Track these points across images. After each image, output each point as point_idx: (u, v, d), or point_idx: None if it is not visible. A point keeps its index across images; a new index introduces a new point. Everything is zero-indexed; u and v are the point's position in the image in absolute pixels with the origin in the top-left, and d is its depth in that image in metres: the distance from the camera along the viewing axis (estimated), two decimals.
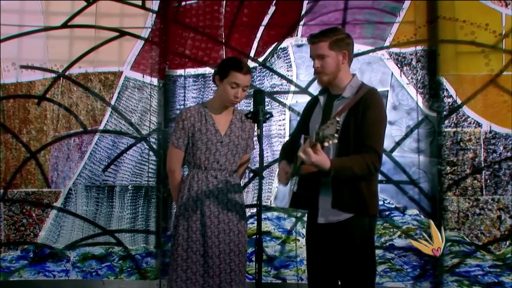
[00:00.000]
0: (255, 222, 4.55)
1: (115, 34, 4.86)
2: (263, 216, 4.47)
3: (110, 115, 4.82)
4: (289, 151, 2.98)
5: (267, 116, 2.68)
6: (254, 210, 4.64)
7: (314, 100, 2.98)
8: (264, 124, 3.15)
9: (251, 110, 2.73)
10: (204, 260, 2.99)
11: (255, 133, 2.86)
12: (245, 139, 3.16)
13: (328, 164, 2.50)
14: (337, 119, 2.28)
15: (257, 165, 4.48)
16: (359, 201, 2.67)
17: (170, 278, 3.06)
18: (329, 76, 2.78)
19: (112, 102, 4.83)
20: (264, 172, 4.68)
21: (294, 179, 2.83)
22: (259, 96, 2.69)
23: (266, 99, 2.95)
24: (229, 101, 3.02)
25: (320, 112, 2.85)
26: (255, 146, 3.24)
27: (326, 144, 2.32)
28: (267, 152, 4.62)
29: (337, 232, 2.70)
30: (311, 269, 2.87)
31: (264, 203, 4.64)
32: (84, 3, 4.87)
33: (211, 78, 4.86)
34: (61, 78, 4.85)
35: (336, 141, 2.29)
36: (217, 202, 3.01)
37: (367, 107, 2.66)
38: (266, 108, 2.77)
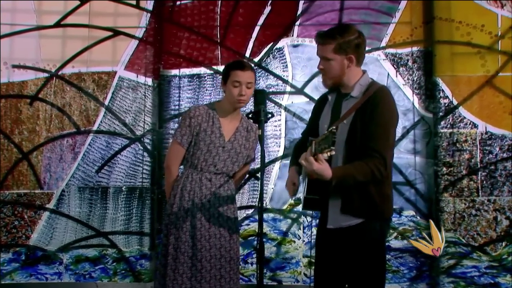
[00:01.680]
0: (251, 223, 4.58)
1: (109, 33, 4.80)
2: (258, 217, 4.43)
3: (103, 116, 4.77)
4: (300, 151, 2.85)
5: (268, 116, 2.64)
6: (250, 211, 4.61)
7: (323, 99, 2.87)
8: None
9: (252, 110, 2.69)
10: (192, 262, 2.94)
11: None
12: (248, 149, 3.12)
13: (330, 174, 2.41)
14: (333, 130, 2.19)
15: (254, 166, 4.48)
16: (369, 205, 2.57)
17: (158, 276, 3.01)
18: (332, 80, 2.69)
19: (106, 103, 4.77)
20: (259, 173, 4.64)
21: (304, 182, 2.78)
22: (260, 96, 2.66)
23: None
24: (235, 101, 2.97)
25: (329, 111, 2.75)
26: (255, 159, 3.21)
27: (325, 155, 2.26)
28: None
29: (348, 237, 2.60)
30: (319, 273, 2.78)
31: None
32: (78, 2, 4.81)
33: (206, 78, 4.96)
34: (54, 78, 4.78)
35: (333, 153, 2.23)
36: (208, 205, 2.98)
37: (374, 107, 2.55)
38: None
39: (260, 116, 2.60)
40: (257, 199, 4.61)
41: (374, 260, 2.62)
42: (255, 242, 2.64)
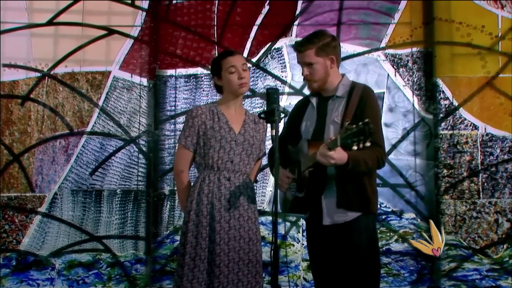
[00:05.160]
0: None
1: (103, 32, 4.72)
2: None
3: (97, 117, 4.68)
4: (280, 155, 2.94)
5: (281, 116, 2.55)
6: None
7: (304, 102, 2.98)
8: None
9: (265, 109, 2.60)
10: (210, 268, 2.82)
11: (269, 135, 2.73)
12: (259, 140, 3.03)
13: (346, 156, 2.51)
14: (368, 121, 2.23)
15: None
16: (363, 198, 2.70)
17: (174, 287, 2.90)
18: (319, 82, 2.80)
19: (100, 103, 4.69)
20: (258, 175, 4.57)
21: (291, 184, 2.79)
22: (273, 95, 2.57)
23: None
24: (238, 87, 2.90)
25: (313, 114, 2.85)
26: (266, 153, 3.13)
27: (354, 147, 2.28)
28: None
29: (344, 232, 2.69)
30: (317, 272, 2.82)
31: (257, 207, 4.53)
32: (71, 0, 4.72)
33: (203, 78, 4.89)
34: (46, 78, 4.69)
35: (368, 144, 2.26)
36: (228, 206, 2.86)
37: (365, 105, 2.71)
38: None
39: (273, 116, 2.51)
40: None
41: (371, 254, 2.72)
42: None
